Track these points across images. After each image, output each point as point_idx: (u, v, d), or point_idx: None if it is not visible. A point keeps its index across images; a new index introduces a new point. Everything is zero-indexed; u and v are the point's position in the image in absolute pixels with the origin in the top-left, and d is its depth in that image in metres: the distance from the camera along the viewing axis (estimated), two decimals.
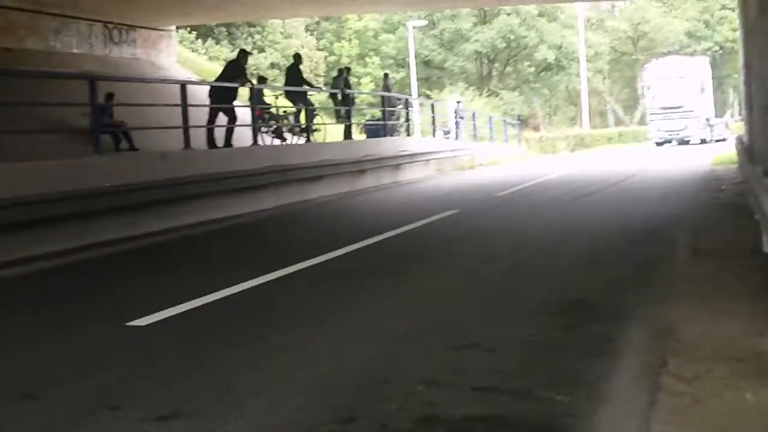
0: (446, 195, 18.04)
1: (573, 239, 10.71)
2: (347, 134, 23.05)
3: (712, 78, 47.66)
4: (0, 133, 12.60)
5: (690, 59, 47.54)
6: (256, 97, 18.39)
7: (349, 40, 54.83)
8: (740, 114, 55.84)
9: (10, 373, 5.58)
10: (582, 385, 4.76)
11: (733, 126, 53.86)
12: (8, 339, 6.56)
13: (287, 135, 21.01)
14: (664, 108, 42.68)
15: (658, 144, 42.89)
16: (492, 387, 4.78)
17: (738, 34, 22.19)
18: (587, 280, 7.89)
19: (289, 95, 21.70)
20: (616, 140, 51.23)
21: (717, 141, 41.89)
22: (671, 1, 64.61)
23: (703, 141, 42.03)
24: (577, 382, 4.81)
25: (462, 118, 33.18)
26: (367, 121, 28.87)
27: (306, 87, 21.78)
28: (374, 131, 25.28)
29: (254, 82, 20.07)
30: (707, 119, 43.69)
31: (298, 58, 22.62)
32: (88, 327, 6.79)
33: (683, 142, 42.18)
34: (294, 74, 21.40)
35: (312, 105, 22.35)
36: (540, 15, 57.56)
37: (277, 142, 20.16)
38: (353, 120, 24.66)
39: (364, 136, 26.47)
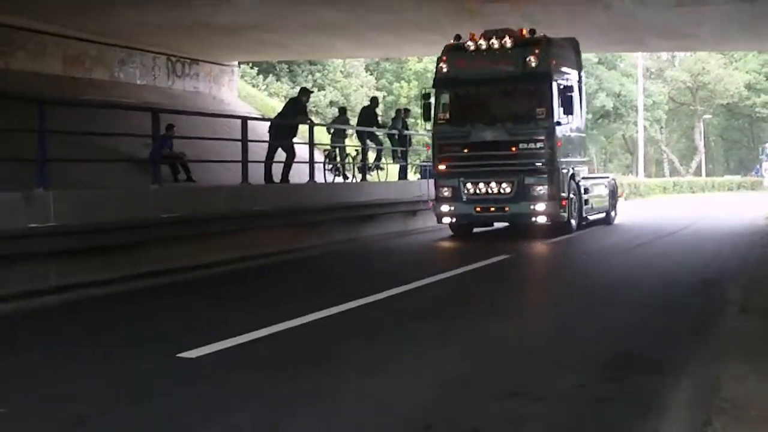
0: (498, 238, 17.91)
1: (626, 288, 10.60)
2: (403, 174, 23.17)
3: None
4: (60, 162, 12.66)
5: (536, 37, 16.91)
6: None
7: (408, 81, 55.11)
8: None
9: (62, 399, 5.65)
10: None
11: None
12: (60, 365, 6.66)
13: (348, 173, 21.22)
14: (470, 147, 17.12)
15: (455, 227, 17.99)
16: None
17: None
18: (637, 331, 7.82)
19: (360, 135, 22.17)
20: (671, 190, 50.56)
21: (591, 223, 19.55)
22: (732, 53, 63.96)
23: (563, 228, 17.30)
24: None
25: None
26: (423, 161, 28.88)
27: (377, 129, 22.33)
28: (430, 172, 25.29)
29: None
30: (572, 175, 17.71)
31: (374, 101, 24.15)
32: (140, 356, 6.85)
33: (508, 220, 18.22)
34: (369, 115, 22.40)
35: (381, 145, 22.75)
36: (599, 63, 57.43)
37: (338, 179, 20.31)
38: (409, 160, 24.78)
39: (418, 177, 26.50)
